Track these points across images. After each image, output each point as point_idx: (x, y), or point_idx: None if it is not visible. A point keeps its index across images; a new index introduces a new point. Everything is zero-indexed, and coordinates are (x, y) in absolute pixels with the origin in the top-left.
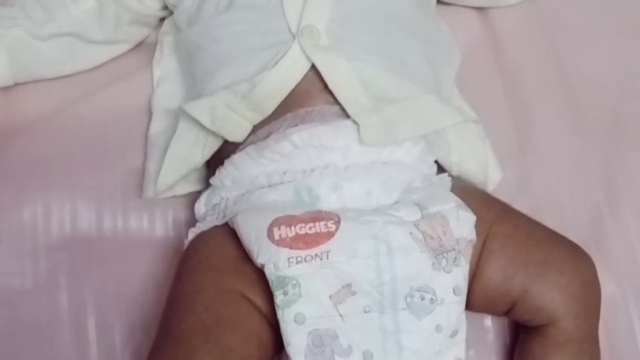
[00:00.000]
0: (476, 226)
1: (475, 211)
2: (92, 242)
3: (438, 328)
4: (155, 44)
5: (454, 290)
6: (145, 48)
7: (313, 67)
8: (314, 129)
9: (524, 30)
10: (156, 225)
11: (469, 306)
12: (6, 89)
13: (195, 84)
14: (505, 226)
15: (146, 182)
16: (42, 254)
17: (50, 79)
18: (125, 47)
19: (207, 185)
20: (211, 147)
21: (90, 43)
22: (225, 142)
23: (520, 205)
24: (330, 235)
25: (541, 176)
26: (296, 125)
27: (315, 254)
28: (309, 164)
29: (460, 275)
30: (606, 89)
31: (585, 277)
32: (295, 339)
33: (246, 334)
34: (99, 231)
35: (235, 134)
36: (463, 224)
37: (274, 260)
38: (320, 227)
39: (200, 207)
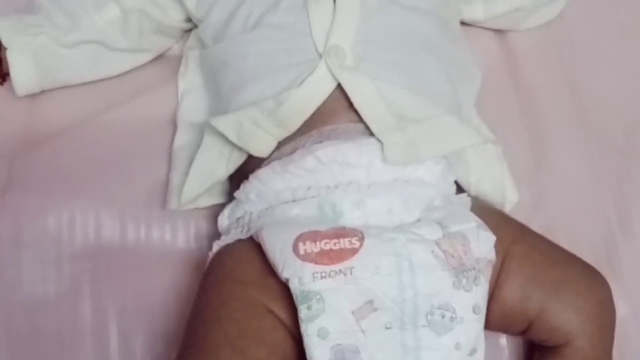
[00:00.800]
0: (495, 246)
1: (493, 231)
2: (115, 252)
3: (457, 346)
4: (179, 58)
5: (473, 309)
6: (169, 61)
7: (338, 86)
8: (339, 146)
9: (540, 52)
10: (178, 237)
11: (486, 325)
12: (31, 98)
13: (221, 100)
14: (522, 246)
15: (170, 194)
16: (66, 262)
17: (75, 90)
18: (148, 57)
19: (229, 198)
20: (236, 161)
21: (114, 51)
22: (249, 157)
23: (535, 224)
24: (354, 251)
25: (555, 196)
26: (321, 142)
27: (339, 270)
28: (332, 180)
29: (479, 294)
30: (619, 111)
31: (600, 297)
32: (318, 353)
33: (271, 347)
34: (122, 241)
35: (261, 150)
36: (483, 244)
37: (298, 274)
38: (344, 243)
39: (223, 220)
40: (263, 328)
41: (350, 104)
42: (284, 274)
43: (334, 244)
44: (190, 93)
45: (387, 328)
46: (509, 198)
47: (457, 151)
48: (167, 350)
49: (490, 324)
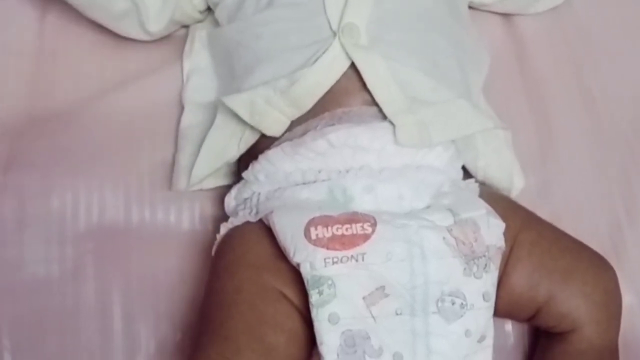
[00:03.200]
0: (504, 233)
1: (502, 218)
2: (119, 232)
3: (467, 333)
4: (184, 39)
5: (483, 296)
6: (175, 42)
7: (352, 65)
8: (351, 129)
9: (548, 40)
10: (183, 218)
11: (494, 311)
12: (34, 76)
13: (233, 80)
14: (530, 234)
15: (177, 175)
16: (69, 242)
17: (80, 69)
18: (149, 38)
19: (235, 180)
20: (248, 141)
21: (137, 24)
22: (260, 138)
23: (540, 213)
24: (366, 237)
25: (561, 185)
26: (333, 124)
27: (351, 255)
28: (343, 164)
29: (489, 282)
30: (626, 100)
31: (608, 285)
32: (328, 338)
33: (289, 333)
34: (126, 222)
35: (273, 129)
36: (493, 231)
37: (310, 259)
38: (356, 228)
39: (230, 200)
40: (280, 313)
41: (364, 85)
42: (296, 259)
43: (346, 229)
44: (197, 73)
45: (397, 314)
46: (515, 184)
47: (466, 136)
48: (172, 331)
49: (498, 311)
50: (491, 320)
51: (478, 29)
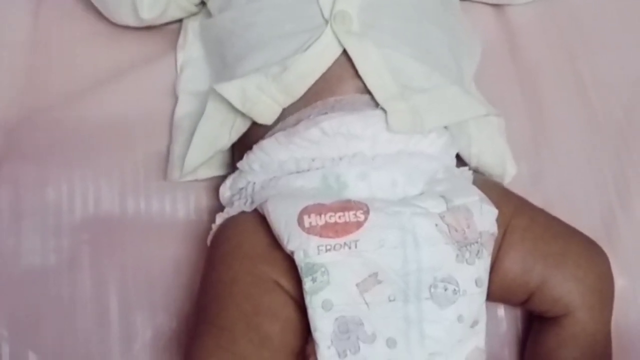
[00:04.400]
0: (497, 220)
1: (495, 205)
2: (115, 223)
3: (460, 318)
4: (177, 30)
5: (476, 282)
6: (168, 33)
7: (344, 52)
8: (344, 117)
9: (540, 28)
10: (178, 208)
11: (487, 296)
12: (28, 68)
13: (225, 68)
14: (523, 219)
15: (171, 165)
16: (65, 233)
17: (74, 60)
18: (139, 24)
19: (230, 171)
20: (239, 129)
21: (130, 8)
22: (252, 127)
23: (534, 199)
24: (359, 224)
25: (554, 171)
26: (326, 113)
27: (344, 243)
28: (337, 152)
29: (482, 267)
30: (619, 87)
31: (601, 270)
32: (322, 324)
33: (284, 322)
34: (121, 212)
35: (265, 116)
36: (486, 218)
37: (303, 247)
38: (349, 216)
39: (225, 190)
40: (275, 303)
41: (356, 72)
42: (289, 247)
43: (339, 217)
44: (190, 64)
45: (390, 300)
46: (508, 171)
47: (459, 123)
48: (168, 320)
49: (491, 295)
50: (484, 305)
51: (470, 18)
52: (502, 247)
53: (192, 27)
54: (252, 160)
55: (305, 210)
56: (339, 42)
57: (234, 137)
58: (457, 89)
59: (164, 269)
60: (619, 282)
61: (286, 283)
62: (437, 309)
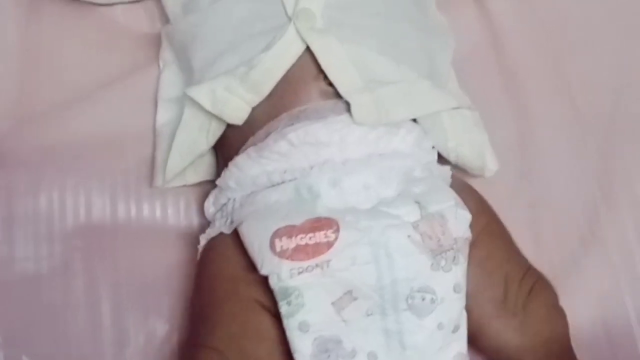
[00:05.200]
0: (470, 225)
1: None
2: (106, 229)
3: (440, 326)
4: None
5: (454, 288)
6: (155, 41)
7: (308, 50)
8: (309, 127)
9: (524, 28)
10: (168, 214)
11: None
12: (20, 77)
13: (194, 73)
14: (481, 250)
15: (155, 171)
16: (58, 239)
17: (65, 68)
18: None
19: (218, 175)
20: (215, 132)
21: None
22: (231, 132)
23: (518, 199)
24: (329, 245)
25: (539, 171)
26: (292, 124)
27: (316, 264)
28: (307, 162)
29: (460, 273)
30: (603, 87)
31: (541, 313)
32: (301, 346)
33: (270, 342)
34: (112, 218)
35: (234, 117)
36: (460, 223)
37: (276, 271)
38: (320, 237)
39: (209, 206)
40: (261, 324)
41: (320, 73)
42: (263, 271)
43: (310, 238)
44: (165, 70)
45: (368, 315)
46: (489, 165)
47: (433, 118)
48: (160, 324)
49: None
50: (464, 310)
51: (453, 20)
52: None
53: (164, 32)
54: (228, 177)
55: (277, 234)
56: (302, 39)
57: (212, 140)
58: (426, 82)
59: (156, 274)
60: (605, 281)
61: (268, 303)
62: (415, 319)
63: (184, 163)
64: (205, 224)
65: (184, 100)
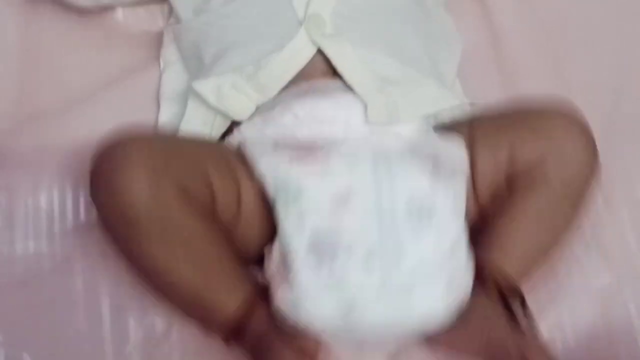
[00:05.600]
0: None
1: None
2: None
3: (438, 237)
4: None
5: (453, 199)
6: (158, 40)
7: (318, 53)
8: (317, 102)
9: (524, 28)
10: None
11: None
12: (21, 76)
13: (201, 70)
14: (482, 121)
15: None
16: (58, 238)
17: (66, 68)
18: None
19: None
20: (219, 127)
21: None
22: (234, 126)
23: None
24: (330, 144)
25: None
26: (300, 98)
27: (318, 159)
28: (310, 136)
29: (458, 191)
30: (602, 87)
31: (571, 122)
32: (297, 234)
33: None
34: None
35: (239, 113)
36: (455, 155)
37: (276, 160)
38: (321, 139)
39: None
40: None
41: (329, 71)
42: (263, 162)
43: (311, 143)
44: (167, 69)
45: (365, 216)
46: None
47: (434, 115)
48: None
49: (483, 206)
50: (462, 226)
51: (453, 17)
52: (472, 155)
53: (167, 32)
54: (231, 140)
55: (277, 138)
56: (313, 43)
57: (216, 136)
58: (431, 81)
59: None
60: (605, 277)
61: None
62: (413, 227)
63: None
64: None
65: (188, 94)
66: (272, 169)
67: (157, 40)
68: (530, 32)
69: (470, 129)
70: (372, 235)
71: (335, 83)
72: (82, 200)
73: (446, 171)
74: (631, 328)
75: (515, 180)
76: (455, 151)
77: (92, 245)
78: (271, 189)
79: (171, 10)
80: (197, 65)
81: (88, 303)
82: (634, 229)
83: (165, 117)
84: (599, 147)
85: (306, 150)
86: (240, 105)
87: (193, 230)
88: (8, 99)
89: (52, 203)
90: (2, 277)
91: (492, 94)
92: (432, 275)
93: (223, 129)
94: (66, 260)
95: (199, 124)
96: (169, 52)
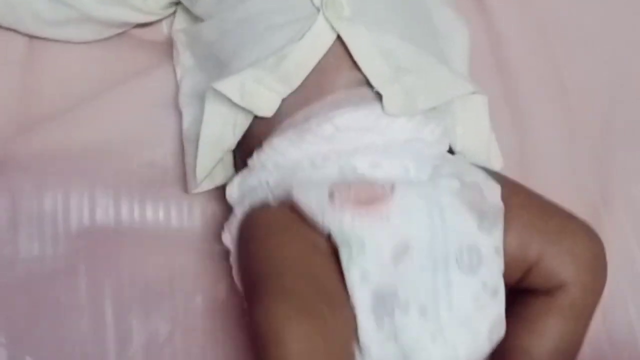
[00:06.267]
0: (501, 195)
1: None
2: (110, 230)
3: (484, 285)
4: (170, 42)
5: (495, 249)
6: (161, 44)
7: (338, 39)
8: (355, 113)
9: (524, 29)
10: (171, 216)
11: None
12: (25, 79)
13: (221, 69)
14: (519, 198)
15: (188, 178)
16: (62, 241)
17: (69, 71)
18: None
19: (231, 176)
20: (242, 126)
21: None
22: (255, 123)
23: None
24: (388, 196)
25: (538, 175)
26: (338, 108)
27: (376, 213)
28: (350, 145)
29: (498, 237)
30: (600, 90)
31: (596, 250)
32: (360, 293)
33: (337, 279)
34: (116, 220)
35: (265, 108)
36: (493, 193)
37: (338, 219)
38: (377, 188)
39: (233, 190)
40: (325, 263)
41: (351, 59)
42: (325, 221)
43: (367, 191)
44: (186, 76)
45: (421, 269)
46: (492, 161)
47: (447, 104)
48: (162, 324)
49: None
50: (502, 276)
51: None
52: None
53: (179, 39)
54: (264, 159)
55: (334, 187)
56: (332, 28)
57: (239, 134)
58: (444, 67)
59: (158, 275)
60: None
61: (327, 250)
62: (464, 276)
63: (213, 161)
64: (207, 225)
65: (206, 96)
66: (335, 227)
67: (162, 46)
68: (530, 34)
69: (504, 197)
70: (427, 285)
71: (359, 92)
72: (86, 203)
73: (489, 214)
74: (632, 329)
75: (528, 287)
76: (497, 200)
77: (96, 246)
78: (337, 244)
79: (177, 17)
80: (216, 66)
81: (91, 306)
82: (634, 229)
83: (186, 125)
84: (597, 150)
85: (365, 201)
86: (265, 100)
87: None
88: (12, 103)
89: (56, 206)
90: (6, 280)
91: (492, 95)
92: (478, 320)
93: (246, 127)
94: (70, 264)
95: (219, 125)
96: (186, 57)
